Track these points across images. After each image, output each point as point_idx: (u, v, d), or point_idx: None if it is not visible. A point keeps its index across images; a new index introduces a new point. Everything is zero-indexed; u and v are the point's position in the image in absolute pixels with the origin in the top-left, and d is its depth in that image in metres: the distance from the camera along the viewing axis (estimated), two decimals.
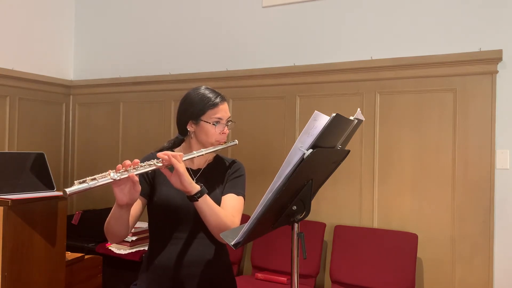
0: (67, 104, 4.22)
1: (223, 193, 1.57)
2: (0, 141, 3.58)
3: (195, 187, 1.38)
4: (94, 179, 1.21)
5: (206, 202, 1.40)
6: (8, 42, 3.64)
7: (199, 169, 1.60)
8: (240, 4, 3.49)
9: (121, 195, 1.30)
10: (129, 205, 1.35)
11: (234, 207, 1.53)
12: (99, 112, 4.11)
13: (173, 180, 1.36)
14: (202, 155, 1.50)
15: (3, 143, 3.59)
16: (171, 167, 1.36)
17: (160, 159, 1.34)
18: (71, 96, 4.24)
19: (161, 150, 1.60)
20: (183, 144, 1.63)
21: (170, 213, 1.52)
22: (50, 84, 4.00)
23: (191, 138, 1.58)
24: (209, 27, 3.61)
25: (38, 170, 2.53)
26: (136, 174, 1.29)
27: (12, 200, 2.22)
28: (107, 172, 1.24)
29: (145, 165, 1.32)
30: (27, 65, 3.77)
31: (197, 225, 1.50)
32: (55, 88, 4.07)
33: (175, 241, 1.52)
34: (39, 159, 2.57)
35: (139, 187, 1.31)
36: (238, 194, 1.57)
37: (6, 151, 3.53)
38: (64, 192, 1.16)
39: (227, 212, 1.49)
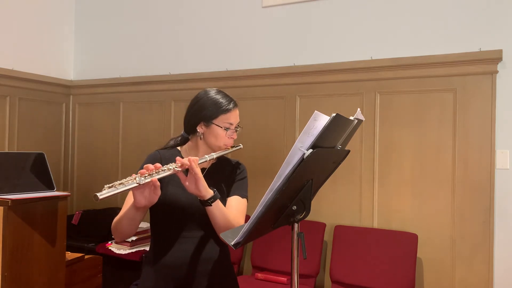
0: (67, 104, 4.22)
1: (229, 195, 1.60)
2: (0, 141, 3.58)
3: (209, 192, 1.40)
4: (122, 183, 1.26)
5: (218, 207, 1.43)
6: (8, 42, 3.64)
7: (203, 169, 1.62)
8: (240, 4, 3.49)
9: (140, 197, 1.34)
10: (146, 208, 1.39)
11: (239, 209, 1.57)
12: (99, 112, 4.11)
13: (188, 184, 1.38)
14: (213, 158, 1.53)
15: (3, 143, 3.59)
16: (185, 170, 1.38)
17: (179, 163, 1.36)
18: (71, 96, 4.24)
19: (166, 148, 1.65)
20: (189, 143, 1.65)
21: (177, 213, 1.54)
22: (50, 84, 4.00)
23: (200, 139, 1.60)
24: (209, 27, 3.61)
25: (38, 170, 2.53)
26: (158, 178, 1.32)
27: (12, 200, 2.22)
28: (133, 177, 1.28)
29: (165, 169, 1.35)
30: (27, 65, 3.77)
31: (203, 225, 1.52)
32: (55, 88, 4.07)
33: (182, 240, 1.54)
34: (39, 159, 2.57)
35: (159, 191, 1.35)
36: (243, 197, 1.61)
37: (6, 151, 3.53)
38: (96, 196, 1.19)
39: (233, 213, 1.52)
